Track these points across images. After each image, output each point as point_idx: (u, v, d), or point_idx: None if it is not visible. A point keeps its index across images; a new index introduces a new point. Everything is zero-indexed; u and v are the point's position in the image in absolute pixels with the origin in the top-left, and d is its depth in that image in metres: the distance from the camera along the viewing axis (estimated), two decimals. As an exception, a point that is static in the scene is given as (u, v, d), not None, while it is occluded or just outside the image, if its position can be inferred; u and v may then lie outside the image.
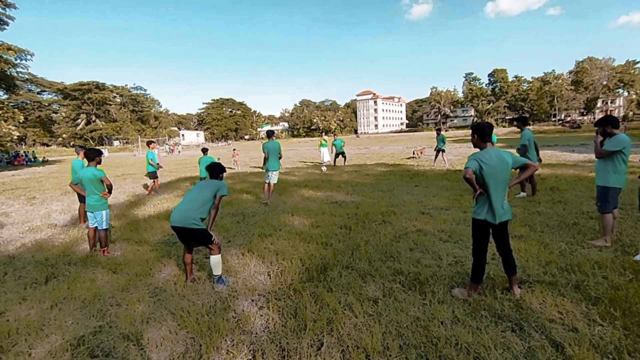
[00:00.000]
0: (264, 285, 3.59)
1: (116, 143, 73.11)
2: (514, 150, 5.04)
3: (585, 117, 72.23)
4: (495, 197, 2.90)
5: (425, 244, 4.50)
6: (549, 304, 2.91)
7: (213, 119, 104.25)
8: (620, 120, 25.31)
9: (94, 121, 72.90)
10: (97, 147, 4.94)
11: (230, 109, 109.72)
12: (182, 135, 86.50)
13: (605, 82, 69.62)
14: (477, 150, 3.05)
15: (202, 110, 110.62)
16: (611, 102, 74.19)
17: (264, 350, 2.53)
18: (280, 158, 8.03)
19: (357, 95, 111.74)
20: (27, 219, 7.48)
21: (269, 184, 7.87)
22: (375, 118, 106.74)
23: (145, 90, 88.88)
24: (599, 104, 73.24)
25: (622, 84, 69.12)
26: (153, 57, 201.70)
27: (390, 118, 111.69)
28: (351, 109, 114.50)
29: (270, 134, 8.09)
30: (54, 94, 69.00)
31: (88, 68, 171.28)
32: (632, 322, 2.56)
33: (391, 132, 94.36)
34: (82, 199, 6.46)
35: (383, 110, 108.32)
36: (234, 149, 19.29)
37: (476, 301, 2.98)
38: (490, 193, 2.89)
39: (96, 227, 4.66)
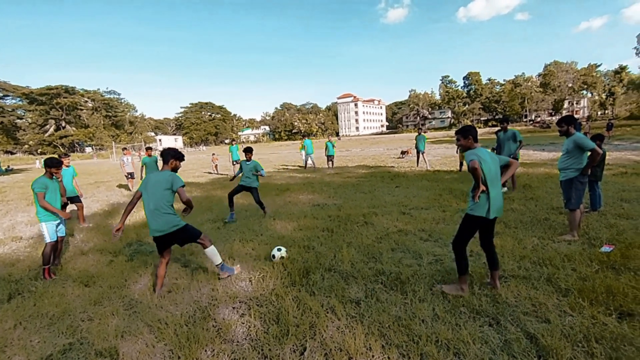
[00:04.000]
0: (246, 292, 3.52)
1: (88, 150, 70.02)
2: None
3: (553, 118, 76.04)
4: (494, 193, 3.00)
5: (406, 243, 4.57)
6: (523, 297, 3.02)
7: (192, 123, 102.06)
8: (585, 120, 26.80)
9: (64, 127, 69.60)
10: (55, 157, 4.59)
11: (209, 113, 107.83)
12: (159, 140, 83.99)
13: (570, 85, 73.75)
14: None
15: (180, 115, 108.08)
16: (576, 103, 78.65)
17: (246, 358, 2.47)
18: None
19: (338, 98, 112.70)
20: (-11, 232, 7.00)
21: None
22: (356, 120, 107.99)
23: (119, 94, 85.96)
24: (566, 105, 77.40)
25: (585, 86, 73.38)
26: (128, 61, 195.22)
27: (370, 120, 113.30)
28: (332, 111, 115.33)
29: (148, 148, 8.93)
30: (19, 98, 65.33)
31: (57, 72, 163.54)
32: (598, 311, 2.70)
33: (372, 134, 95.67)
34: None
35: (364, 112, 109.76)
36: (213, 153, 18.70)
37: (455, 297, 3.05)
38: (490, 189, 2.99)
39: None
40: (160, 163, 3.99)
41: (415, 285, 3.35)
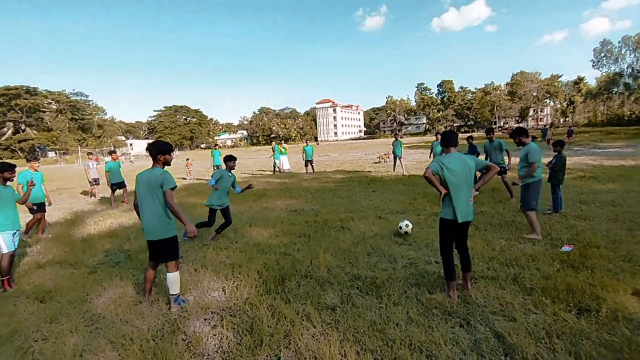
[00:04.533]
0: (218, 302, 3.41)
1: (51, 154, 65.89)
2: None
3: (520, 124, 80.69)
4: (458, 198, 3.08)
5: (382, 247, 4.62)
6: (491, 297, 3.13)
7: (165, 127, 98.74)
8: (548, 126, 28.44)
9: (24, 130, 65.20)
10: (7, 161, 4.28)
11: (184, 117, 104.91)
12: (130, 144, 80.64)
13: (535, 94, 78.47)
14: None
15: (153, 118, 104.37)
16: (541, 111, 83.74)
17: (217, 372, 2.38)
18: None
19: (317, 104, 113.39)
20: None
21: None
22: (335, 126, 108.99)
23: (87, 96, 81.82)
24: (531, 112, 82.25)
25: (549, 95, 78.33)
26: (97, 62, 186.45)
27: (349, 126, 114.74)
28: (311, 116, 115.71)
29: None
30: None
31: (18, 73, 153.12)
32: (559, 308, 2.84)
33: (350, 139, 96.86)
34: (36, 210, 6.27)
35: (342, 118, 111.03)
36: (188, 158, 18.04)
37: (428, 300, 3.11)
38: (453, 194, 3.07)
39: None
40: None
41: (390, 289, 3.38)
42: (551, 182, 5.79)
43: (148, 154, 3.33)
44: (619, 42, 57.40)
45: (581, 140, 26.10)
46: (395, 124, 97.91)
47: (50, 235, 6.51)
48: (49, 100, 72.04)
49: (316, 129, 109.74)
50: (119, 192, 9.84)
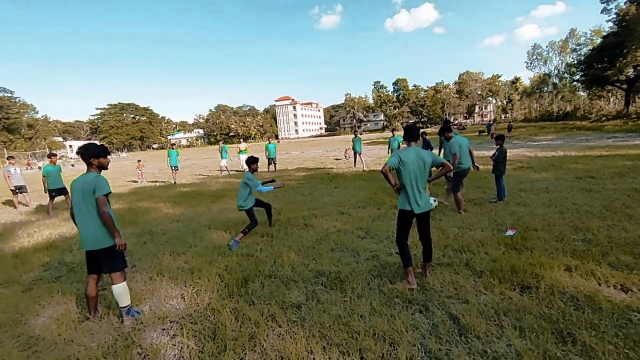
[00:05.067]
0: (177, 310, 3.22)
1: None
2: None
3: (468, 120, 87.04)
4: (412, 190, 3.22)
5: (345, 242, 4.70)
6: (447, 282, 3.33)
7: (111, 126, 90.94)
8: (491, 122, 31.05)
9: None
10: None
11: (132, 115, 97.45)
12: (70, 146, 73.08)
13: (479, 92, 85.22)
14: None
15: (95, 117, 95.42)
16: (485, 108, 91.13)
17: (177, 384, 2.25)
18: None
19: (276, 101, 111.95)
20: None
21: None
22: (295, 123, 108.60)
23: (12, 92, 71.63)
24: (477, 109, 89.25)
25: (491, 93, 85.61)
26: (22, 52, 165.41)
27: (309, 123, 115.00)
28: (270, 114, 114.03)
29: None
30: None
31: None
32: (505, 288, 3.12)
33: (311, 136, 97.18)
34: None
35: (302, 115, 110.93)
36: (139, 160, 16.58)
37: (390, 290, 3.22)
38: (407, 186, 3.21)
39: None
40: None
41: (354, 282, 3.45)
42: (495, 173, 6.31)
43: (80, 157, 3.05)
44: (546, 47, 64.25)
45: (519, 134, 28.83)
46: (354, 120, 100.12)
47: (-28, 252, 5.67)
48: (-38, 97, 62.55)
49: (276, 126, 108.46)
50: (59, 199, 8.85)
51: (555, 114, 54.10)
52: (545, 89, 66.88)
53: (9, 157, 10.20)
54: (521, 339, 2.42)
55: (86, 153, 3.01)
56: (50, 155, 8.74)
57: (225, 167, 15.93)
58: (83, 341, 2.80)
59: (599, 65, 37.26)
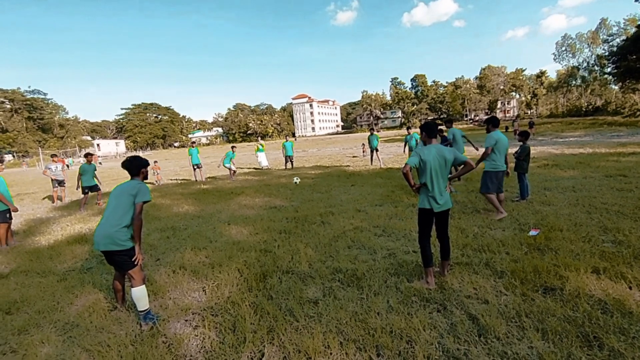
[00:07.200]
0: (199, 303, 3.35)
1: (8, 157, 61.19)
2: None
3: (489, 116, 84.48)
4: (435, 188, 3.18)
5: (362, 240, 4.71)
6: (466, 282, 3.28)
7: (135, 125, 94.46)
8: (514, 118, 29.95)
9: (-25, 132, 60.12)
10: None
11: (155, 115, 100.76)
12: (97, 145, 76.45)
13: (502, 87, 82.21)
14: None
15: (121, 117, 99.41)
16: (507, 103, 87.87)
17: (200, 372, 2.35)
18: None
19: (293, 99, 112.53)
20: None
21: None
22: (312, 121, 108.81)
23: (45, 94, 76.05)
24: (499, 105, 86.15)
25: (514, 88, 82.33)
26: (55, 57, 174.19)
27: (326, 121, 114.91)
28: (287, 112, 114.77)
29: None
30: None
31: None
32: (527, 289, 3.04)
33: (328, 134, 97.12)
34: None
35: (319, 113, 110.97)
36: (155, 161, 14.94)
37: (407, 288, 3.21)
38: (429, 184, 3.17)
39: None
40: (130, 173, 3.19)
41: (371, 280, 3.46)
42: (517, 171, 6.11)
43: (127, 170, 3.13)
44: (574, 37, 61.06)
45: (544, 130, 27.66)
46: (371, 118, 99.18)
47: (16, 244, 6.06)
48: (2, 99, 66.64)
49: (293, 124, 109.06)
50: (92, 194, 9.38)
51: (584, 109, 51.54)
52: (574, 82, 63.70)
53: (53, 155, 10.96)
54: (544, 342, 2.36)
55: (136, 164, 3.12)
56: (87, 155, 9.31)
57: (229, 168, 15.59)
58: (112, 329, 2.96)
59: (634, 57, 35.00)
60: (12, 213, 5.90)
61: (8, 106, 67.49)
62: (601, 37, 55.63)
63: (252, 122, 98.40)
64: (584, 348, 2.27)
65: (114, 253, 2.92)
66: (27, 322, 3.18)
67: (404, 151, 13.45)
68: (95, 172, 9.26)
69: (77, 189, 9.17)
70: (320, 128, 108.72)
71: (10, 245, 5.92)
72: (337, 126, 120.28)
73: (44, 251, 5.43)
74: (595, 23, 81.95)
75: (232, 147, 14.30)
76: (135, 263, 2.96)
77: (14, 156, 62.32)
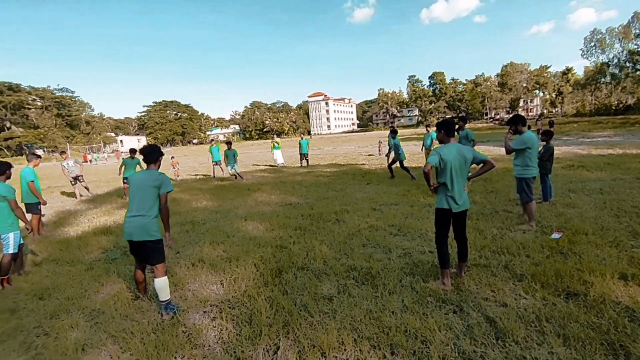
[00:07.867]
0: (217, 295, 3.45)
1: (39, 152, 64.46)
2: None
3: (511, 115, 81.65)
4: (455, 188, 3.13)
5: (377, 239, 4.69)
6: (483, 284, 3.22)
7: (156, 122, 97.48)
8: (537, 117, 28.78)
9: (9, 128, 63.57)
10: (5, 160, 4.26)
11: (175, 112, 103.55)
12: (121, 141, 79.30)
13: (525, 84, 79.27)
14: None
15: (142, 114, 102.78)
16: (530, 102, 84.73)
17: (218, 362, 2.43)
18: None
19: (309, 97, 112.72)
20: None
21: None
22: (328, 119, 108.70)
23: (73, 92, 79.77)
24: (521, 103, 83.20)
25: (538, 86, 79.20)
26: (81, 56, 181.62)
27: (341, 119, 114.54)
28: (303, 110, 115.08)
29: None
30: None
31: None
32: (548, 293, 2.95)
33: (343, 132, 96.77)
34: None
35: (334, 111, 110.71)
36: (172, 157, 15.17)
37: (423, 288, 3.19)
38: (449, 183, 3.13)
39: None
40: (143, 164, 3.53)
41: (386, 278, 3.46)
42: (540, 172, 5.90)
43: (145, 156, 3.25)
44: (604, 32, 58.04)
45: (570, 130, 26.53)
46: (388, 116, 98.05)
47: (47, 234, 6.42)
48: (33, 97, 70.14)
49: (309, 122, 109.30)
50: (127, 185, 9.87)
51: (613, 108, 49.02)
52: (603, 79, 60.64)
53: (61, 152, 11.26)
54: (565, 348, 2.29)
55: (156, 152, 3.27)
56: (131, 151, 9.84)
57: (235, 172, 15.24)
58: (136, 317, 3.10)
59: (671, 52, 32.96)
60: (42, 206, 6.24)
61: (39, 103, 71.02)
62: (634, 32, 52.69)
63: (269, 119, 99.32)
64: (609, 356, 2.20)
65: (145, 243, 3.04)
66: (58, 307, 3.38)
67: (421, 150, 13.23)
68: (138, 165, 9.63)
69: (119, 175, 9.93)
70: (335, 126, 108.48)
71: (42, 235, 6.29)
72: (353, 124, 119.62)
73: (72, 241, 5.72)
74: (627, 17, 77.40)
75: (228, 143, 12.52)
76: (168, 246, 3.16)
77: (44, 151, 65.52)
